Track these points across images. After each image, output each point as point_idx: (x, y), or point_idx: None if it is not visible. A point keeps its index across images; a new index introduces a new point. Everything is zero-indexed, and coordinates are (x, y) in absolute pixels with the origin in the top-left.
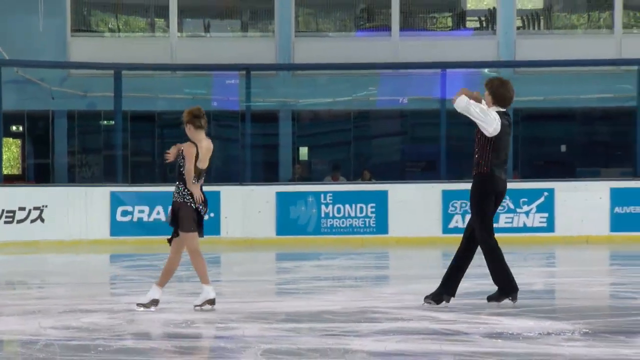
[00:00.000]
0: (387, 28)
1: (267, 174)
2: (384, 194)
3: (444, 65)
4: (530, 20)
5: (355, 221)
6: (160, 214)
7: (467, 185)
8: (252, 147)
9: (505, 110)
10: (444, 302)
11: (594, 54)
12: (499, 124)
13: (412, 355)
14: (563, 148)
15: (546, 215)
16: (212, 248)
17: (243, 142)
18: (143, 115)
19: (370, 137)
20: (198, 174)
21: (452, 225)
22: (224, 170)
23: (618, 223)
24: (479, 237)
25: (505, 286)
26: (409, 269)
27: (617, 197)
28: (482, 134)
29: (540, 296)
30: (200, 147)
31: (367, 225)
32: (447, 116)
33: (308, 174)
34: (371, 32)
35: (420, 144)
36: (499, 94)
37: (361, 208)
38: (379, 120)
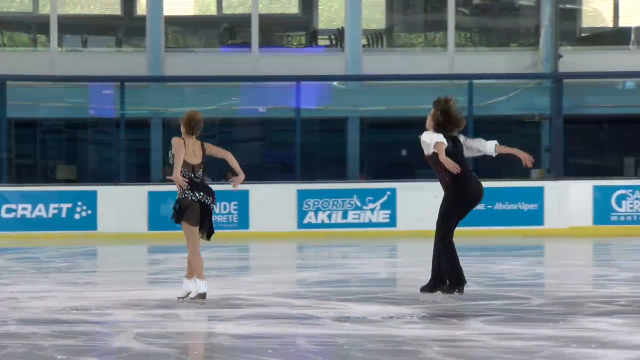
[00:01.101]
0: (248, 45)
1: (139, 174)
2: (246, 193)
3: (298, 78)
4: (375, 39)
5: (220, 217)
6: (42, 211)
7: (320, 185)
8: (126, 150)
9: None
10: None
11: (430, 69)
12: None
13: (270, 337)
14: (404, 152)
15: (389, 212)
16: (90, 242)
17: (118, 146)
18: (26, 121)
19: (233, 142)
20: (191, 168)
21: (306, 221)
22: (101, 171)
23: None
24: (438, 231)
25: (454, 279)
26: (268, 260)
27: None
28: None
29: (383, 284)
30: (187, 144)
31: (230, 221)
32: (301, 123)
33: None
34: (233, 48)
35: (277, 148)
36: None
37: (225, 206)
38: (241, 127)
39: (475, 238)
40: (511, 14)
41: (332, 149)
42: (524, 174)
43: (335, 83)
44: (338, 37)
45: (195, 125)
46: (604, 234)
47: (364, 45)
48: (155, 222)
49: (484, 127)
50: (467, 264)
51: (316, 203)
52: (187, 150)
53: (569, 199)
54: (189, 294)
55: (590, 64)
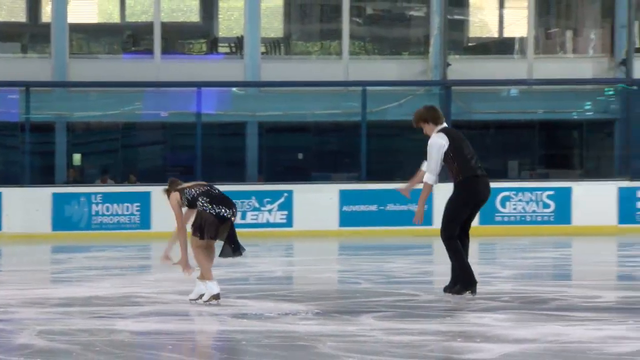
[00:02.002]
0: (150, 52)
1: (44, 177)
2: (148, 194)
3: (199, 84)
4: (273, 47)
5: (122, 218)
6: None
7: (220, 187)
8: (31, 153)
9: (444, 126)
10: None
11: (326, 76)
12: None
13: (170, 334)
14: (300, 156)
15: (286, 213)
16: None
17: (23, 149)
18: None
19: (136, 146)
20: (202, 186)
21: None
22: (7, 173)
23: (346, 219)
24: (444, 231)
25: (465, 280)
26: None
27: (345, 197)
28: (446, 154)
29: (280, 282)
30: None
31: (132, 222)
32: (201, 128)
33: (81, 178)
34: (136, 55)
35: (178, 151)
36: (431, 117)
37: (127, 207)
38: (143, 131)
39: (368, 237)
40: (402, 24)
41: (231, 153)
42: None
43: (234, 89)
44: (238, 45)
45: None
46: (489, 233)
47: (262, 53)
48: (59, 222)
49: (377, 132)
50: (360, 263)
51: None
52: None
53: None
54: (201, 296)
55: (477, 72)
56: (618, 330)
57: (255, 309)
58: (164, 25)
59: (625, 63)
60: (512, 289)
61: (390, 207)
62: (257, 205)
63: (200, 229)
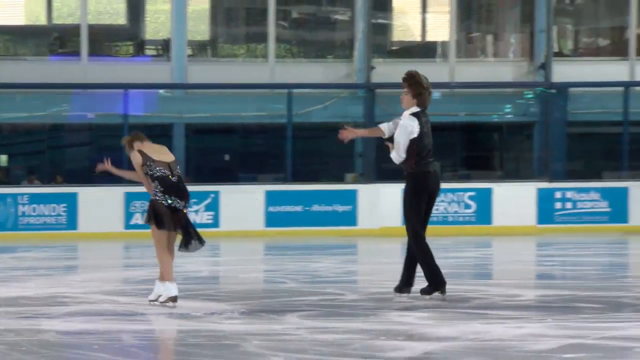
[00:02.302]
0: (77, 54)
1: None
2: (74, 195)
3: (126, 86)
4: (200, 49)
5: (49, 219)
6: None
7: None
8: None
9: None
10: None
11: (252, 78)
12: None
13: (96, 334)
14: (227, 157)
15: (213, 213)
16: None
17: None
18: None
19: (63, 147)
20: (167, 166)
21: (132, 222)
22: None
23: (272, 220)
24: (410, 233)
25: (434, 281)
26: (95, 259)
27: (271, 198)
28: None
29: (206, 282)
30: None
31: (59, 222)
32: (128, 129)
33: (7, 179)
34: (63, 57)
35: (105, 153)
36: (417, 91)
37: (54, 208)
38: (70, 132)
39: (293, 238)
40: (327, 27)
41: None
42: (339, 178)
43: (161, 91)
44: (164, 48)
45: (137, 137)
46: None
47: (189, 56)
48: None
49: (302, 134)
50: (285, 263)
51: (142, 205)
52: (152, 151)
53: (380, 201)
54: (159, 296)
55: (401, 75)
56: (537, 328)
57: (182, 309)
58: (91, 28)
59: (544, 67)
60: None
61: (315, 207)
62: None
63: (156, 218)
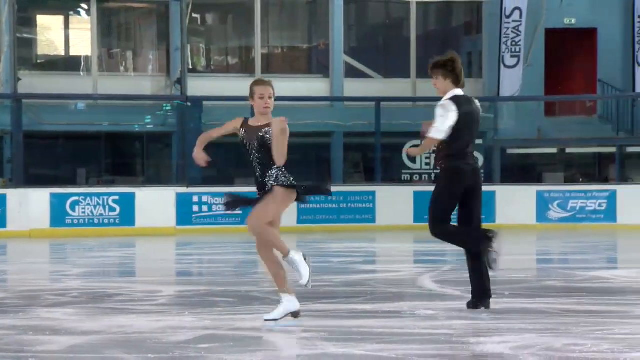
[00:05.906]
0: None
1: None
2: None
3: None
4: None
5: None
6: None
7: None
8: None
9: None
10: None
11: None
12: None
13: None
14: None
15: None
16: None
17: None
18: None
19: None
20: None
21: None
22: None
23: None
24: (432, 228)
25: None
26: None
27: None
28: None
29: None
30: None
31: None
32: None
33: None
34: None
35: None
36: (454, 76)
37: None
38: None
39: None
40: None
41: None
42: None
43: None
44: None
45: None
46: (61, 235)
47: None
48: None
49: None
50: None
51: None
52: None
53: (30, 205)
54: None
55: (47, 87)
56: (176, 321)
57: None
58: None
59: (180, 82)
60: (81, 286)
61: None
62: None
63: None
